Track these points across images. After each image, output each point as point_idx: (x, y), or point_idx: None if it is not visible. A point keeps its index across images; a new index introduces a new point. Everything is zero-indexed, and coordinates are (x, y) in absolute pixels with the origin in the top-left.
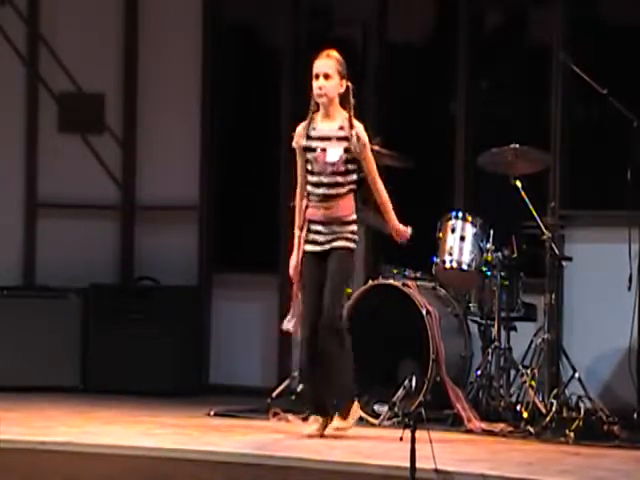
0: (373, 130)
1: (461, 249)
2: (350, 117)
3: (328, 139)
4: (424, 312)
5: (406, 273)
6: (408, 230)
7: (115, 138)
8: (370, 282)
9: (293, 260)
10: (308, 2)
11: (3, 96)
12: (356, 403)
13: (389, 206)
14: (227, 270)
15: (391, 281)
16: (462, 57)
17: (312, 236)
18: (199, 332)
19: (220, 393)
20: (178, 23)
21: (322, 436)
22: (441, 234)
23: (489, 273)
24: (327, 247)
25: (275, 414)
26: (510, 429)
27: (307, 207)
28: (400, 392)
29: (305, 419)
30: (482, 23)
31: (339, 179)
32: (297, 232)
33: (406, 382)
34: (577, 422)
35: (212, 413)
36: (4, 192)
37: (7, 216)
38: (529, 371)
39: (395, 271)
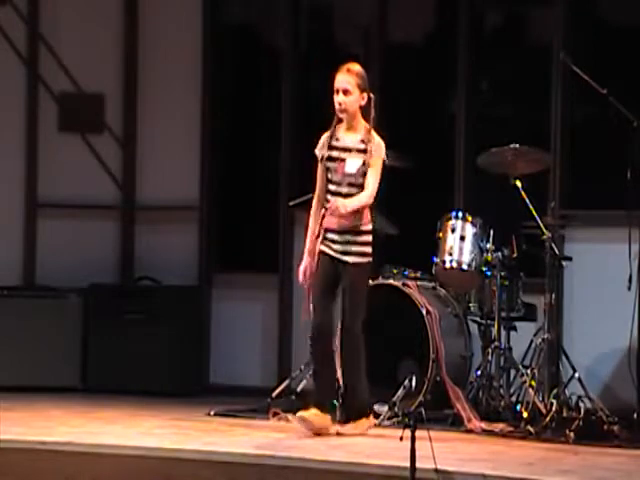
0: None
1: (461, 249)
2: (369, 129)
3: (349, 150)
4: (424, 312)
5: (406, 273)
6: (336, 204)
7: (115, 138)
8: (370, 282)
9: (303, 264)
10: (308, 2)
11: (3, 96)
12: (370, 419)
13: (359, 200)
14: (227, 270)
15: (391, 281)
16: (462, 57)
17: (328, 243)
18: (199, 332)
19: (220, 393)
20: (178, 23)
21: (318, 434)
22: (441, 234)
23: (489, 273)
24: (343, 258)
25: (275, 414)
26: (510, 429)
27: (324, 216)
28: (400, 392)
29: None
30: (482, 23)
31: (355, 191)
32: (309, 240)
33: (406, 382)
34: (577, 422)
35: (212, 413)
36: (4, 192)
37: (7, 216)
38: (529, 371)
39: (395, 271)
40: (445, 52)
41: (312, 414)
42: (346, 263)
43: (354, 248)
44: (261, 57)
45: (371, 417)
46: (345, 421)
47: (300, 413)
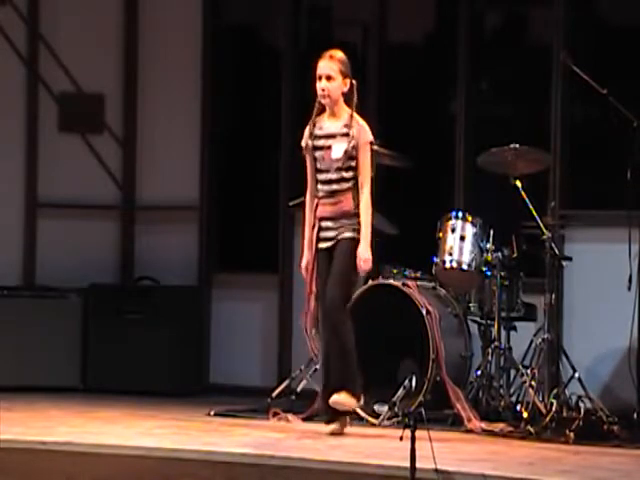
0: (373, 130)
1: (461, 249)
2: (352, 114)
3: (333, 137)
4: (424, 312)
5: (406, 273)
6: (369, 262)
7: (115, 138)
8: (370, 282)
9: (304, 259)
10: (308, 2)
11: (3, 96)
12: (358, 402)
13: (367, 220)
14: (227, 270)
15: (391, 281)
16: (462, 57)
17: (323, 234)
18: (199, 332)
19: (220, 393)
20: (178, 23)
21: (343, 434)
22: (441, 234)
23: (489, 273)
24: (337, 238)
25: (275, 414)
26: (510, 429)
27: (317, 206)
28: (400, 392)
29: (305, 419)
30: (482, 23)
31: (344, 174)
32: (307, 231)
33: (406, 382)
34: (577, 422)
35: (212, 413)
36: (4, 192)
37: (7, 216)
38: (529, 371)
39: (395, 271)
40: (445, 52)
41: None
42: (339, 240)
43: (348, 228)
44: (261, 57)
45: (359, 401)
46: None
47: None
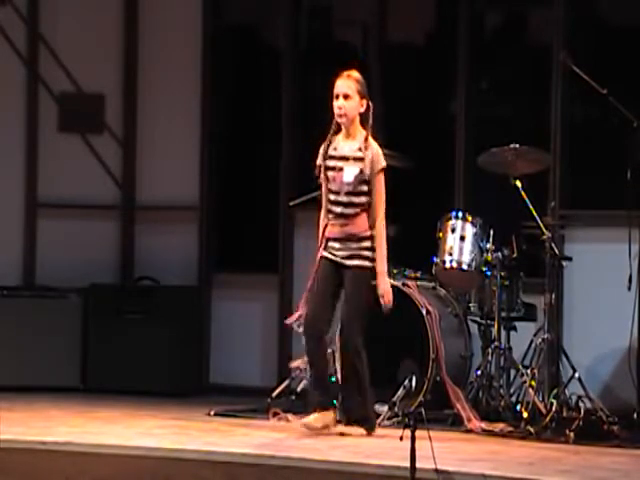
0: (373, 130)
1: (461, 249)
2: (367, 137)
3: (346, 159)
4: (424, 312)
5: (406, 273)
6: (389, 294)
7: (115, 138)
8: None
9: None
10: (308, 2)
11: (3, 96)
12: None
13: (382, 252)
14: (227, 270)
15: (391, 281)
16: (462, 57)
17: (330, 250)
18: (199, 332)
19: (220, 393)
20: (178, 23)
21: (319, 430)
22: (441, 234)
23: (489, 273)
24: (345, 262)
25: (275, 414)
26: (510, 429)
27: (326, 226)
28: (400, 392)
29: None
30: (482, 23)
31: (354, 199)
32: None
33: (406, 382)
34: (577, 422)
35: (212, 413)
36: (4, 192)
37: (7, 216)
38: (529, 371)
39: (395, 271)
40: (445, 52)
41: (313, 417)
42: (348, 267)
43: (356, 253)
44: (261, 57)
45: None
46: (346, 423)
47: (303, 420)
